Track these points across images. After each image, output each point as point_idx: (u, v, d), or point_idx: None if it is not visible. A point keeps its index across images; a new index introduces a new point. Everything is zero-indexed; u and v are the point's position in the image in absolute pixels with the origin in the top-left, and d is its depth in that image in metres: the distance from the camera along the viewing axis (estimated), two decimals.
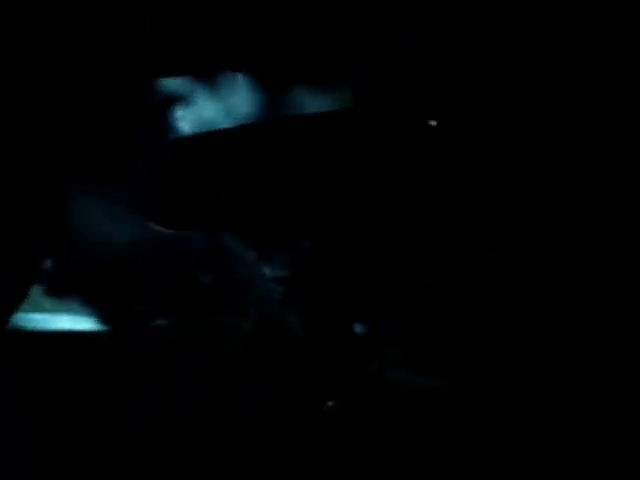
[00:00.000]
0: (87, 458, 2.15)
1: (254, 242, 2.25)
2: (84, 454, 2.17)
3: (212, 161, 2.24)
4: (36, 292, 2.55)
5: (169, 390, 2.23)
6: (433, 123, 2.17)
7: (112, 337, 2.38)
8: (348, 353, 2.20)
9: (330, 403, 2.13)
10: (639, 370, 1.95)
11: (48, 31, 2.25)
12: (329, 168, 2.16)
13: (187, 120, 2.26)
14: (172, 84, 2.27)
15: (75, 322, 2.47)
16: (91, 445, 2.18)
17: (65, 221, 2.31)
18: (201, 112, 2.25)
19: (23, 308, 2.48)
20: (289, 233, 2.22)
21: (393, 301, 2.19)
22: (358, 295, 2.21)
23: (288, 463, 2.09)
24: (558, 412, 2.01)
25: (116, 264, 2.35)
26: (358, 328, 2.20)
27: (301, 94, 2.20)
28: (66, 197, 2.36)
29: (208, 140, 2.23)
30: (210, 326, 2.29)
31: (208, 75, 2.24)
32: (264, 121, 2.21)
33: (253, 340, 2.25)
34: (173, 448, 2.12)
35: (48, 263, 2.46)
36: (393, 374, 2.16)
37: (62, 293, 2.50)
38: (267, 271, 2.26)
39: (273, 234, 2.23)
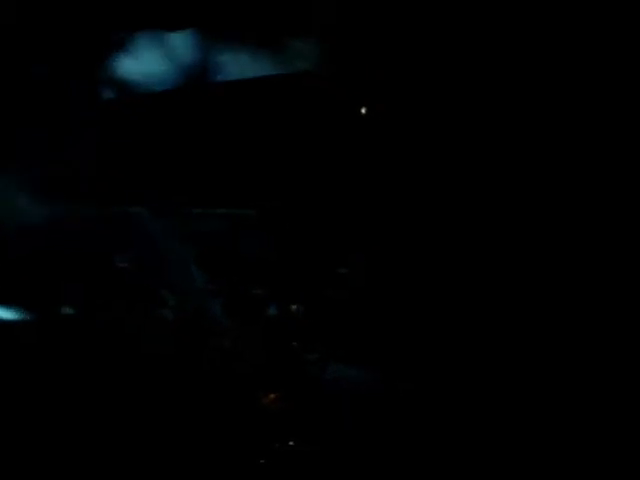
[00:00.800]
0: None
1: (177, 220, 2.08)
2: None
3: (142, 125, 2.06)
4: None
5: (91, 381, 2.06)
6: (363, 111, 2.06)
7: (26, 327, 2.18)
8: (277, 343, 2.05)
9: (271, 396, 1.99)
10: None
11: None
12: (265, 135, 2.02)
13: (127, 79, 2.06)
14: (115, 40, 2.06)
15: None
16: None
17: None
18: (147, 69, 2.04)
19: None
20: (214, 208, 2.06)
21: (325, 290, 2.05)
22: (289, 282, 2.07)
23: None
24: None
25: (24, 248, 2.16)
26: (287, 316, 2.05)
27: (242, 57, 2.03)
28: None
29: (137, 104, 2.05)
30: (128, 315, 2.11)
31: (151, 31, 2.06)
32: (199, 84, 2.03)
33: (173, 330, 2.08)
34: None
35: None
36: (332, 366, 2.03)
37: None
38: (190, 255, 2.09)
39: (198, 209, 2.06)
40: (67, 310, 2.16)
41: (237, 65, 2.01)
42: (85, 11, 2.04)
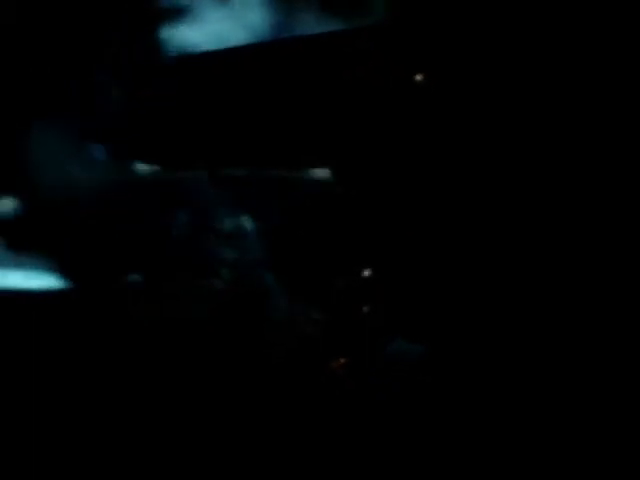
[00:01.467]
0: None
1: (237, 188, 1.99)
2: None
3: (203, 85, 1.97)
4: None
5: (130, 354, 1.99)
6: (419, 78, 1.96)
7: (70, 296, 2.12)
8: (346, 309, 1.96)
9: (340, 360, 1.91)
10: None
11: None
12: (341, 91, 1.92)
13: (192, 36, 1.97)
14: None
15: (29, 279, 2.20)
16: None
17: (20, 159, 2.05)
18: (209, 27, 1.95)
19: None
20: (278, 177, 1.96)
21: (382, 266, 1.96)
22: (347, 257, 1.98)
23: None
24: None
25: (79, 211, 2.10)
26: (346, 294, 1.96)
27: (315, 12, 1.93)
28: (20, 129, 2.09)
29: (199, 64, 1.95)
30: (178, 286, 2.04)
31: None
32: (273, 40, 1.93)
33: (225, 303, 2.01)
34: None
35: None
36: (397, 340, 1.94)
37: (16, 245, 2.24)
38: (247, 224, 2.01)
39: (261, 176, 1.97)
40: (117, 278, 2.10)
41: (299, 21, 1.93)
42: None
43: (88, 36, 2.00)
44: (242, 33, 1.94)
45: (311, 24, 1.91)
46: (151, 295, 2.04)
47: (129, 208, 2.09)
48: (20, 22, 2.00)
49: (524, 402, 1.87)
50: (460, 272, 1.92)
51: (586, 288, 1.90)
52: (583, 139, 1.88)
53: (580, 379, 1.85)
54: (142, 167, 2.08)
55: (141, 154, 2.04)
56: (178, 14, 1.98)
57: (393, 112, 1.92)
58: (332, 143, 1.96)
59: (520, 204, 1.90)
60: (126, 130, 2.03)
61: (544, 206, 1.90)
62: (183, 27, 1.98)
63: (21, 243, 2.17)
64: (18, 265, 2.21)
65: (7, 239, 2.20)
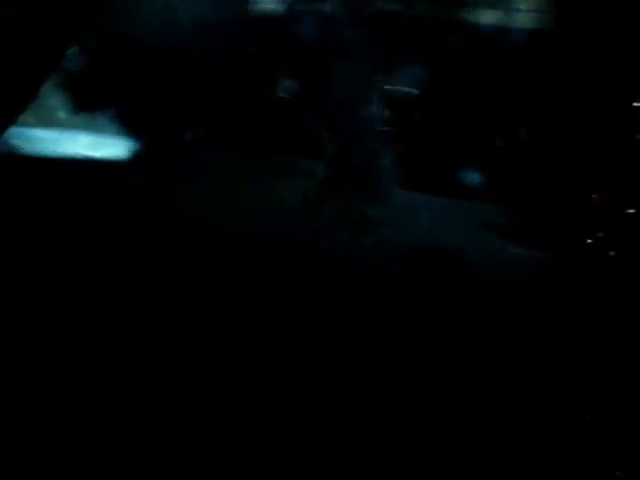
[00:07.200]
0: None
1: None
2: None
3: None
4: (50, 99, 1.94)
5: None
6: None
7: (140, 167, 1.70)
8: None
9: None
10: None
11: None
12: None
13: None
14: None
15: (96, 145, 1.80)
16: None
17: None
18: None
19: (27, 121, 1.84)
20: None
21: None
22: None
23: None
24: None
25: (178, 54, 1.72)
26: None
27: None
28: None
29: None
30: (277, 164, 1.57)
31: None
32: None
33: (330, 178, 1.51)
34: None
35: (72, 53, 1.88)
36: None
37: (88, 103, 1.88)
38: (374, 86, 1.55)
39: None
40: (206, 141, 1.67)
41: None
42: None
43: None
44: None
45: None
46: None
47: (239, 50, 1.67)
48: None
49: None
50: None
51: None
52: None
53: None
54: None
55: None
56: None
57: None
58: None
59: None
60: None
61: None
62: None
63: (95, 104, 1.80)
64: (89, 128, 1.84)
65: (81, 99, 1.84)
